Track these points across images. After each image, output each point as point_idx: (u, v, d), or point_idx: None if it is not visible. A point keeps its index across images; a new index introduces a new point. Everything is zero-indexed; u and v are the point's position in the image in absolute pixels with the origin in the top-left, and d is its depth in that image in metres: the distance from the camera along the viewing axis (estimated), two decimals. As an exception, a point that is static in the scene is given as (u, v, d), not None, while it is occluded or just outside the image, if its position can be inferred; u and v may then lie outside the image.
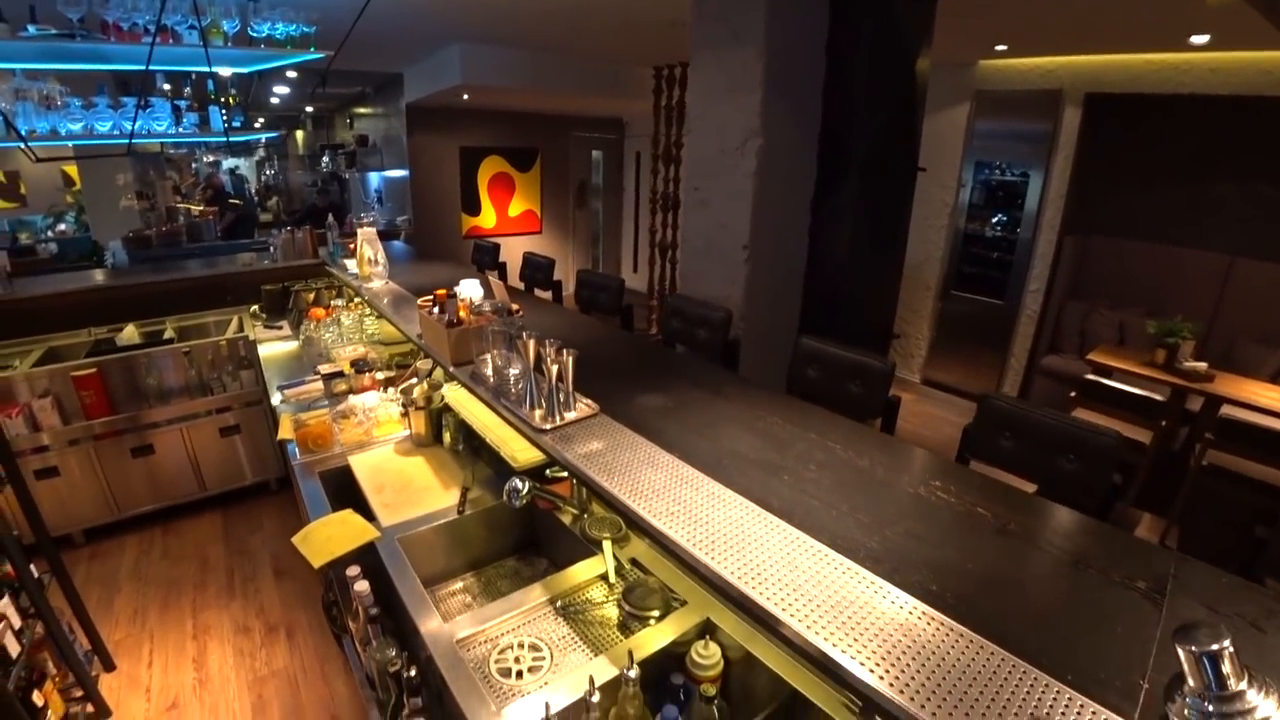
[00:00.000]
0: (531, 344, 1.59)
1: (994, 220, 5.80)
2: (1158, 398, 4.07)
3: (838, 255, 3.32)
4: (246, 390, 3.73)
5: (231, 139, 4.91)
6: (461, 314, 2.08)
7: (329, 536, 1.75)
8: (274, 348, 3.57)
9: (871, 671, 0.90)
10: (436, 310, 2.15)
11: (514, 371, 1.82)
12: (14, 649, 1.97)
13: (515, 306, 2.09)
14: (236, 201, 8.29)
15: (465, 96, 6.25)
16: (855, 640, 0.96)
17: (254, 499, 3.91)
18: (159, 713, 2.51)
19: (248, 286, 4.23)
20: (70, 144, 4.82)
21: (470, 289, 2.23)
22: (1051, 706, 0.84)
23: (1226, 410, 3.78)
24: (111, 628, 2.88)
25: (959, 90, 5.50)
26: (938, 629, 0.97)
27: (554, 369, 1.57)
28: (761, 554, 1.15)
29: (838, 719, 1.28)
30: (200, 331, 4.07)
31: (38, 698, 2.08)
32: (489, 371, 1.91)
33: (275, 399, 2.83)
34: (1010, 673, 0.89)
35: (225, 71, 4.86)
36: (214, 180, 8.72)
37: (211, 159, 10.21)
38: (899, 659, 0.92)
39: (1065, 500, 1.42)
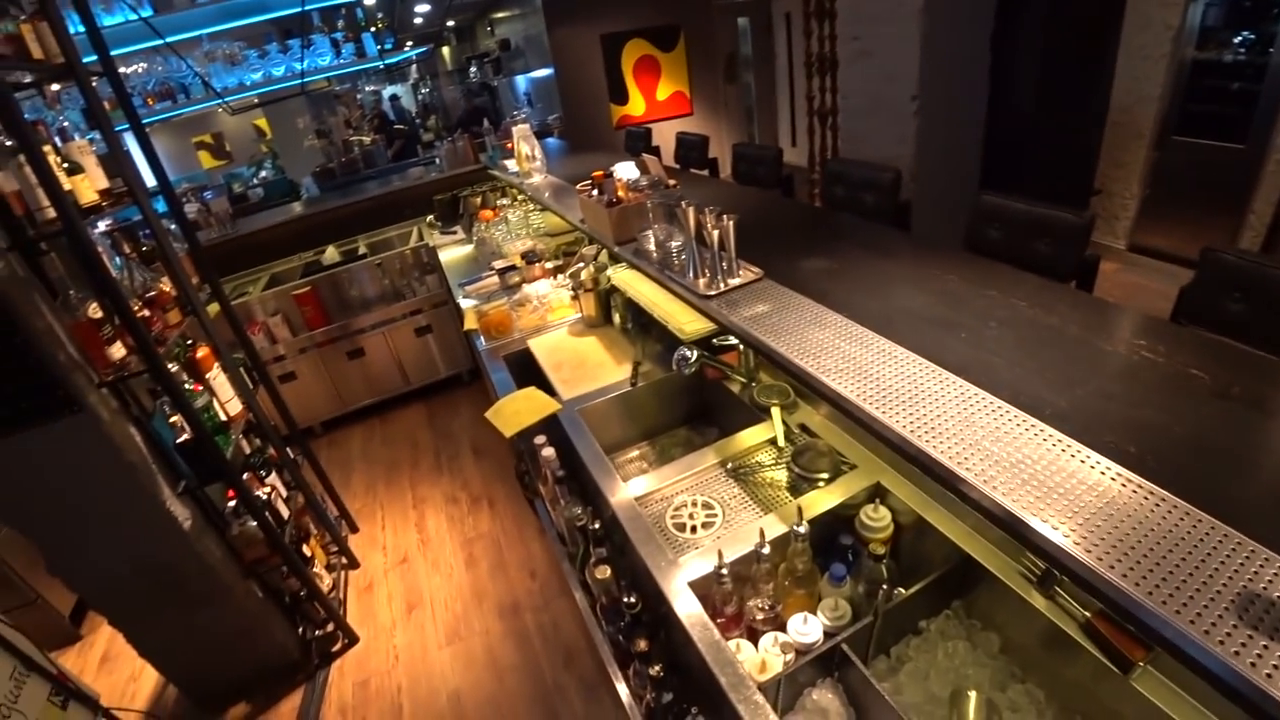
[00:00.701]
0: (691, 213, 1.58)
1: (1236, 42, 4.71)
2: None
3: (1024, 101, 2.91)
4: (433, 293, 4.13)
5: (385, 62, 5.21)
6: (620, 193, 2.11)
7: (516, 410, 1.93)
8: (452, 252, 3.87)
9: (1059, 530, 0.85)
10: (595, 192, 2.20)
11: (676, 244, 1.83)
12: (285, 512, 2.44)
13: (672, 181, 2.09)
14: (401, 127, 8.84)
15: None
16: (1039, 500, 0.90)
17: (450, 390, 4.41)
18: (395, 564, 3.02)
19: (422, 199, 4.57)
20: (254, 94, 5.44)
21: (625, 170, 2.24)
22: (1272, 581, 0.75)
23: None
24: (351, 499, 3.44)
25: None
26: (1134, 492, 0.89)
27: (715, 235, 1.57)
28: (935, 410, 1.10)
29: (1012, 585, 1.24)
30: (387, 245, 4.51)
31: (306, 549, 2.58)
32: (651, 246, 1.94)
33: (459, 297, 3.10)
34: (1221, 542, 0.80)
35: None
36: (377, 109, 9.34)
37: (373, 89, 10.90)
38: (1089, 520, 0.86)
39: None
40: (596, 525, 1.51)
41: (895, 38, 2.68)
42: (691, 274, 1.68)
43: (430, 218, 4.47)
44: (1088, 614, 1.13)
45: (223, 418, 2.30)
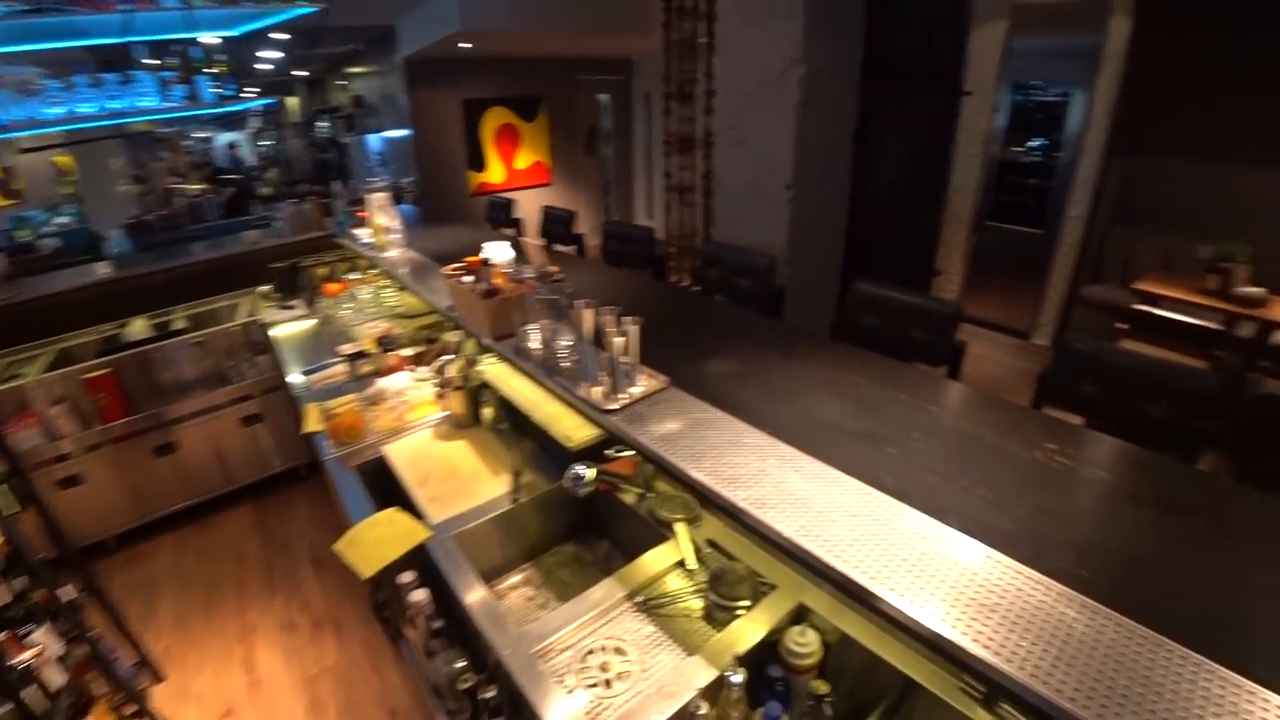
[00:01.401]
0: (588, 314, 1.41)
1: (1032, 145, 5.46)
2: (1212, 326, 3.86)
3: (883, 189, 3.09)
4: (265, 376, 3.58)
5: (224, 110, 4.66)
6: (497, 281, 1.90)
7: (376, 540, 1.60)
8: (289, 328, 3.40)
9: (1025, 670, 0.78)
10: (469, 279, 1.97)
11: (563, 342, 1.64)
12: (57, 680, 1.87)
13: (555, 269, 1.90)
14: (232, 177, 8.04)
15: (464, 45, 5.91)
16: (1027, 648, 0.81)
17: (285, 487, 3.81)
18: None
19: (256, 266, 4.04)
20: (53, 130, 4.59)
21: (498, 252, 2.03)
22: (1249, 709, 0.72)
23: (1282, 338, 3.56)
24: (156, 635, 2.79)
25: (995, 5, 5.10)
26: (1104, 623, 0.84)
27: (618, 341, 1.39)
28: (886, 542, 0.99)
29: (955, 704, 1.14)
30: (211, 319, 3.90)
31: (87, 721, 2.00)
32: (534, 344, 1.73)
33: (295, 380, 2.68)
34: (1194, 670, 0.77)
35: (210, 38, 4.58)
36: (208, 157, 8.47)
37: (204, 135, 9.93)
38: (1056, 655, 0.80)
39: (1155, 447, 1.28)
40: (491, 693, 1.23)
41: (771, 129, 2.74)
42: (586, 381, 1.48)
43: (266, 287, 3.95)
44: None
45: (-37, 559, 1.74)
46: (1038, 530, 1.03)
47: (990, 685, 0.82)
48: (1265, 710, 0.72)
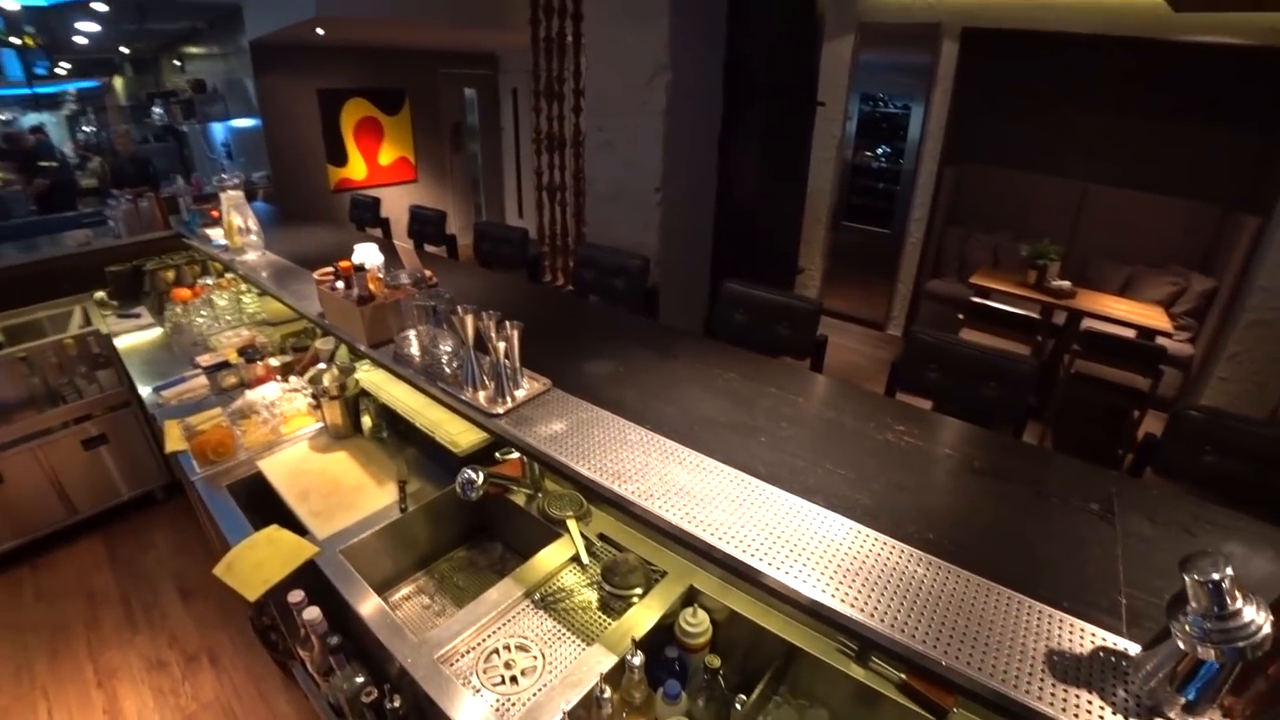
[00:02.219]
0: (469, 319, 1.43)
1: (879, 152, 5.98)
2: (1033, 315, 4.43)
3: (746, 191, 3.28)
4: (108, 393, 3.24)
5: (37, 90, 4.12)
6: (372, 287, 1.86)
7: (258, 561, 1.54)
8: (134, 339, 3.10)
9: (894, 627, 0.91)
10: (340, 285, 1.91)
11: (445, 348, 1.65)
12: None
13: (429, 273, 1.90)
14: (48, 165, 7.10)
15: (320, 31, 5.57)
16: (873, 599, 0.96)
17: (139, 514, 3.46)
18: (74, 777, 2.21)
19: (87, 270, 3.63)
20: None
21: (368, 255, 1.99)
22: (1059, 634, 0.90)
23: (1087, 323, 4.17)
24: (-14, 694, 2.48)
25: (843, 22, 5.53)
26: (948, 576, 1.00)
27: (500, 346, 1.43)
28: (767, 526, 1.11)
29: (834, 663, 1.31)
30: (35, 330, 3.47)
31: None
32: (414, 350, 1.73)
33: (147, 397, 2.47)
34: (1019, 609, 0.94)
35: (11, 4, 4.02)
36: (23, 140, 7.42)
37: (5, 116, 8.71)
38: (920, 609, 0.94)
39: (984, 423, 1.51)
40: (397, 702, 1.24)
41: (638, 133, 2.85)
42: (471, 386, 1.51)
43: (101, 294, 3.57)
44: (903, 675, 1.27)
45: None
46: (891, 503, 1.18)
47: (860, 641, 0.96)
48: (1071, 631, 0.90)
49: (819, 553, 1.05)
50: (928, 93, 5.37)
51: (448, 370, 1.62)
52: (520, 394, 1.51)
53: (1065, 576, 1.00)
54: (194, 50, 7.48)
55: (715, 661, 1.30)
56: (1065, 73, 4.92)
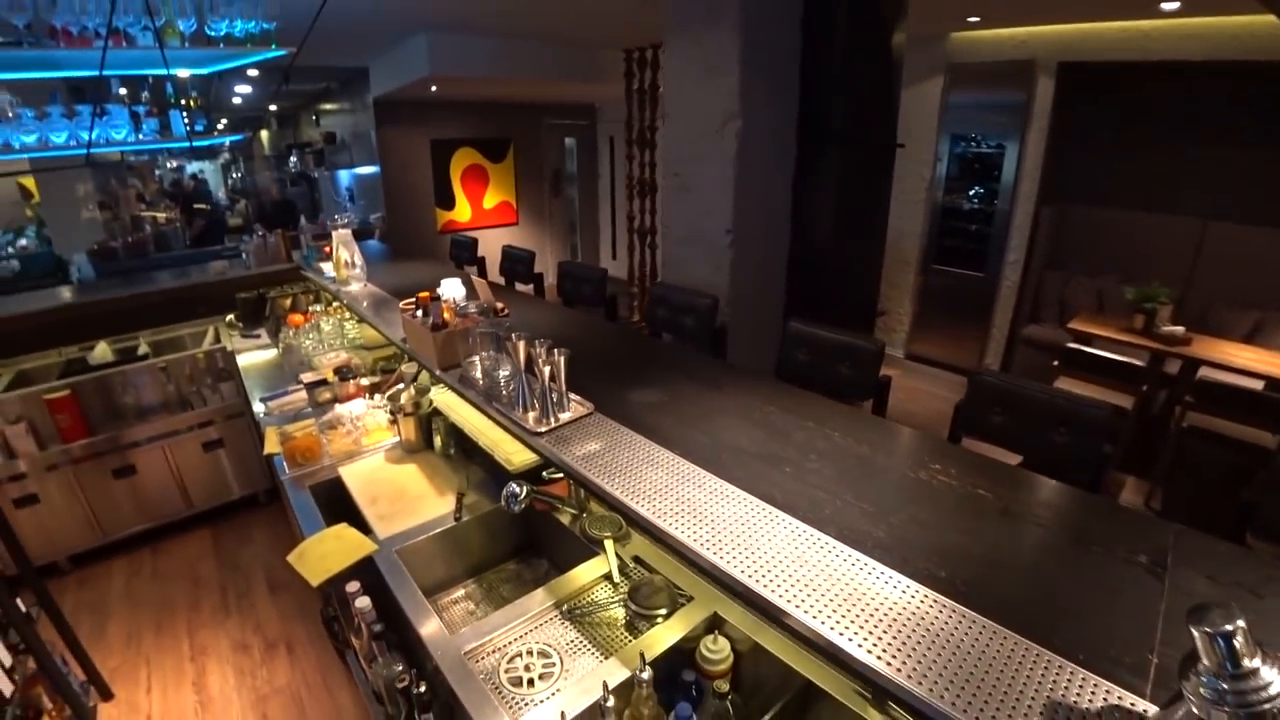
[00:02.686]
0: (521, 345, 1.56)
1: (971, 193, 5.82)
2: (1138, 363, 4.13)
3: (820, 235, 3.31)
4: (228, 403, 3.66)
5: (195, 144, 4.77)
6: (446, 316, 2.04)
7: (325, 553, 1.71)
8: (253, 357, 3.50)
9: (881, 659, 0.91)
10: (420, 313, 2.11)
11: (504, 372, 1.79)
12: (5, 688, 1.92)
13: (500, 305, 2.06)
14: (203, 207, 8.10)
15: (434, 88, 6.13)
16: (864, 630, 0.96)
17: (243, 513, 3.85)
18: (161, 738, 2.47)
19: (222, 296, 4.14)
20: (25, 156, 4.65)
21: (452, 289, 2.18)
22: (1066, 687, 0.85)
23: (1204, 372, 3.84)
24: (106, 654, 2.82)
25: (932, 63, 5.49)
26: (950, 616, 0.98)
27: (546, 370, 1.55)
28: (769, 550, 1.14)
29: (851, 706, 1.28)
30: (175, 345, 3.98)
31: (32, 733, 2.04)
32: (478, 374, 1.88)
33: (258, 409, 2.78)
34: (1024, 656, 0.90)
35: (184, 74, 4.71)
36: (181, 186, 8.51)
37: (174, 164, 9.97)
38: (912, 647, 0.93)
39: (1058, 473, 1.44)
40: (422, 688, 1.34)
41: (712, 178, 2.96)
42: (521, 408, 1.63)
43: (231, 316, 4.04)
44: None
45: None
46: (907, 538, 1.17)
47: (857, 677, 0.94)
48: (1083, 686, 0.85)
49: (817, 582, 1.06)
50: (1022, 131, 5.21)
51: (504, 392, 1.76)
52: (564, 416, 1.62)
53: (1092, 629, 0.95)
54: (327, 106, 8.38)
55: (724, 687, 1.32)
56: (1176, 103, 4.62)
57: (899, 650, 0.92)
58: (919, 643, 0.93)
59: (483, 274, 4.40)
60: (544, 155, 8.25)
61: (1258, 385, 3.69)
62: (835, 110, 3.14)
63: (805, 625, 0.98)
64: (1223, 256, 4.70)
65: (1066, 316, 5.01)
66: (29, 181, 7.10)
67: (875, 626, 0.96)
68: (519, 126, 7.76)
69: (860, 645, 0.93)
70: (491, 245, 5.29)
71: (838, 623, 0.97)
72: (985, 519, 1.25)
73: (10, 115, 4.52)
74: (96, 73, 4.34)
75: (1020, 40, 5.11)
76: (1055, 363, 4.43)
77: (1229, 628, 0.67)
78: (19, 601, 2.22)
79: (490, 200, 7.80)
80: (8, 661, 2.00)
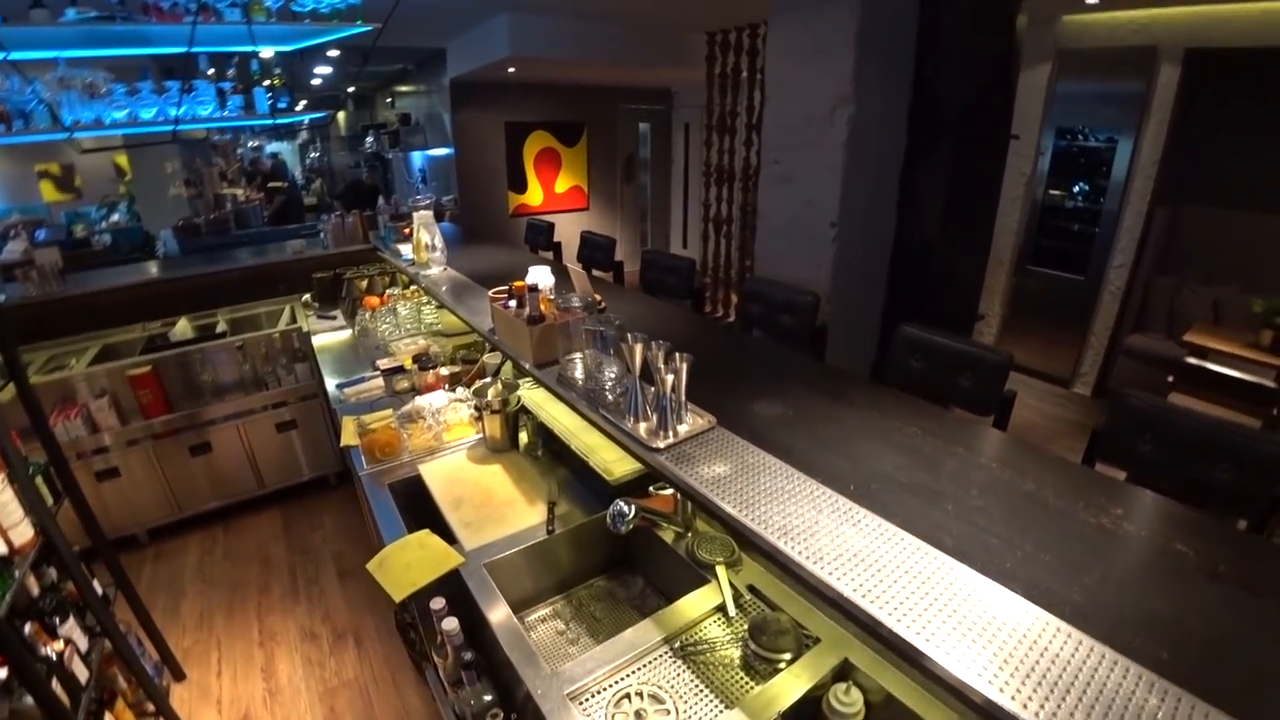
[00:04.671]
0: (639, 349, 1.39)
1: (1075, 190, 5.39)
2: (1267, 383, 3.72)
3: (928, 231, 3.04)
4: (302, 384, 3.63)
5: (278, 121, 4.77)
6: (543, 308, 1.89)
7: (408, 563, 1.59)
8: (328, 338, 3.45)
9: None
10: (513, 303, 1.97)
11: (610, 373, 1.62)
12: (83, 674, 1.87)
13: (598, 298, 1.90)
14: (279, 185, 8.23)
15: (511, 70, 6.02)
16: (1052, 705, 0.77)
17: (313, 495, 3.83)
18: (230, 725, 2.43)
19: (299, 274, 4.12)
20: (116, 133, 4.74)
21: (542, 277, 2.03)
22: None
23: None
24: (179, 634, 2.81)
25: (1040, 49, 5.08)
26: (1178, 705, 0.78)
27: (668, 378, 1.37)
28: (946, 606, 0.94)
29: None
30: (252, 324, 3.98)
31: (109, 718, 2.00)
32: (579, 374, 1.72)
33: (331, 392, 2.70)
34: None
35: (267, 52, 4.71)
36: (260, 165, 8.68)
37: (255, 143, 10.22)
38: None
39: (1213, 511, 1.25)
40: (515, 728, 1.20)
41: (817, 167, 2.74)
42: (632, 416, 1.46)
43: (307, 296, 4.02)
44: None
45: (2, 550, 1.76)
46: (1108, 604, 0.96)
47: None
48: None
49: (1010, 650, 0.87)
50: (1138, 124, 4.76)
51: (609, 397, 1.59)
52: (683, 429, 1.44)
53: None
54: (403, 88, 8.41)
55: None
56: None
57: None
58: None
59: (559, 259, 4.27)
60: (618, 140, 8.09)
61: None
62: (952, 96, 2.87)
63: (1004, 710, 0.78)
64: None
65: (1176, 327, 4.59)
66: (123, 160, 7.35)
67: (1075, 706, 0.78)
68: (594, 110, 7.62)
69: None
70: (563, 230, 5.16)
71: (1036, 704, 0.78)
72: (1191, 583, 1.03)
73: (103, 91, 4.60)
74: (186, 48, 4.39)
75: (1141, 25, 4.66)
76: (1170, 378, 4.05)
77: None
78: (96, 583, 2.19)
79: (562, 185, 7.70)
80: (84, 646, 1.95)
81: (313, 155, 12.13)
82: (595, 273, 3.94)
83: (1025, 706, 0.79)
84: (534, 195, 7.50)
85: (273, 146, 10.72)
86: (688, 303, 3.15)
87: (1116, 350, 5.21)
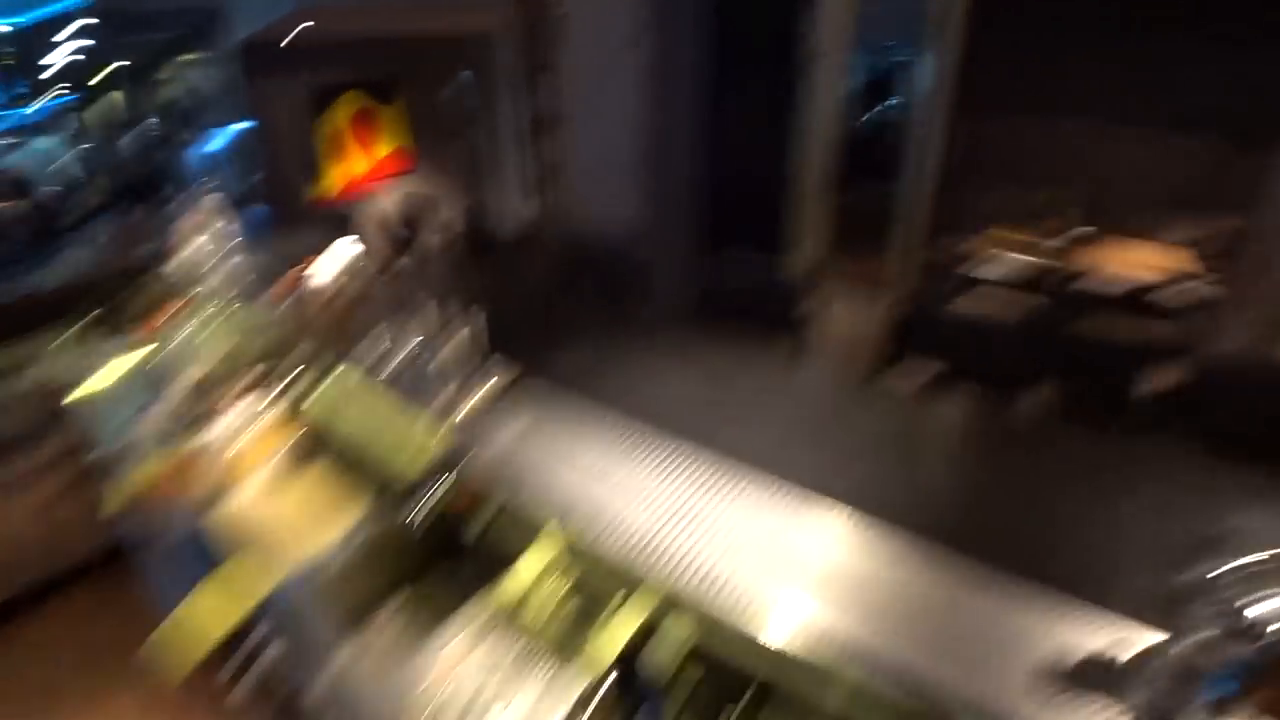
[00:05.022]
0: (431, 314, 1.28)
1: (883, 105, 5.65)
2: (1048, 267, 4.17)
3: (740, 154, 3.07)
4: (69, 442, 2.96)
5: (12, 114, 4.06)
6: (329, 294, 1.73)
7: (204, 611, 1.43)
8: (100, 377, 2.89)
9: None
10: (299, 290, 1.79)
11: (403, 352, 1.52)
12: None
13: (396, 271, 1.77)
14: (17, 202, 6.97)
15: (306, 24, 5.44)
16: None
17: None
18: None
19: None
20: None
21: (333, 259, 1.86)
22: None
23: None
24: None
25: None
26: None
27: (458, 341, 1.28)
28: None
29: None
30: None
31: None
32: (374, 358, 1.61)
33: (103, 444, 2.27)
34: None
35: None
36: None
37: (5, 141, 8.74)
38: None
39: None
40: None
41: (620, 100, 2.68)
42: (426, 394, 1.37)
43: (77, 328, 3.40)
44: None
45: None
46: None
47: None
48: None
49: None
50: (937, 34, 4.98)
51: (402, 376, 1.49)
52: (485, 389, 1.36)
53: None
54: (186, 58, 7.42)
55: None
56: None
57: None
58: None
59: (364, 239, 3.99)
60: (439, 93, 7.62)
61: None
62: (754, 18, 2.86)
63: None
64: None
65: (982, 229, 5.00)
66: None
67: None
68: (409, 64, 7.12)
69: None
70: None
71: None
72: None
73: None
74: None
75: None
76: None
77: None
78: None
79: (384, 148, 7.22)
80: None
81: (85, 146, 10.50)
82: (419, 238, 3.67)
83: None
84: (356, 164, 6.97)
85: (40, 143, 9.17)
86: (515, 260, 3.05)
87: (931, 256, 5.61)
